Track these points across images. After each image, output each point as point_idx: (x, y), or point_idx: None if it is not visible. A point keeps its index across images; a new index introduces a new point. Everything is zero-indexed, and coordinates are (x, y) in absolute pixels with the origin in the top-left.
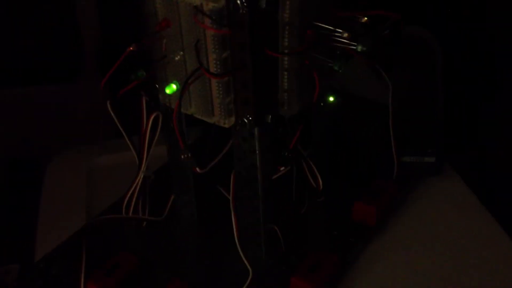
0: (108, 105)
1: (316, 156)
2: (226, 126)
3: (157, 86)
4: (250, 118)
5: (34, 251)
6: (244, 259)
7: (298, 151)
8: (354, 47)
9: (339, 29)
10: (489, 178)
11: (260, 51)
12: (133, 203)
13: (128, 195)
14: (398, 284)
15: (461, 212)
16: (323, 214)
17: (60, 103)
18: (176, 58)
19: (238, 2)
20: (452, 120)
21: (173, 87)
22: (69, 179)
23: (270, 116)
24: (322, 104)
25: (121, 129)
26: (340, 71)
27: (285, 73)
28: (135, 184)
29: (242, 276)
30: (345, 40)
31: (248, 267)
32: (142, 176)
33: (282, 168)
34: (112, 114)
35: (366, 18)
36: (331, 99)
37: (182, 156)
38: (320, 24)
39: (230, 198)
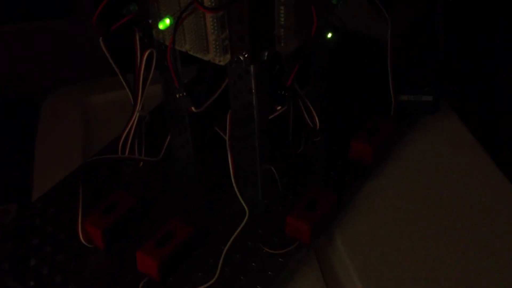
0: (101, 41)
1: (314, 95)
2: (222, 63)
3: (150, 21)
4: (246, 55)
5: (31, 191)
6: (240, 199)
7: (295, 89)
8: None
9: None
10: (486, 116)
11: None
12: (129, 143)
13: (124, 135)
14: (393, 221)
15: (457, 150)
16: (320, 153)
17: (53, 40)
18: None
19: None
20: (451, 58)
21: (167, 22)
22: (65, 118)
23: (266, 53)
24: (320, 40)
25: (114, 66)
26: (339, 5)
27: (282, 7)
28: (130, 124)
29: (240, 215)
30: None
31: (245, 206)
32: (137, 116)
33: (278, 108)
34: (105, 50)
35: None
36: (329, 35)
37: (177, 95)
38: None
39: (227, 138)
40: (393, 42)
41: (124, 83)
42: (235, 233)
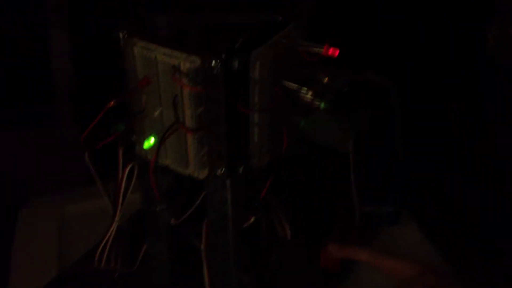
0: (87, 158)
1: (286, 205)
2: (200, 177)
3: (134, 138)
4: (223, 170)
5: None
6: None
7: (268, 202)
8: (318, 104)
9: (304, 87)
10: (447, 227)
11: (233, 107)
12: (106, 253)
13: (102, 245)
14: None
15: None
16: (291, 262)
17: (31, 149)
18: (155, 114)
19: (213, 63)
20: (413, 168)
21: (151, 141)
22: (41, 227)
23: (242, 168)
24: (290, 156)
25: (97, 179)
26: (306, 127)
27: (256, 128)
28: (108, 235)
29: None
30: (309, 97)
31: None
32: (115, 226)
33: (252, 218)
34: (91, 167)
35: (327, 78)
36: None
37: (158, 208)
38: (288, 83)
39: (202, 247)
40: (355, 153)
41: (104, 194)
42: None
